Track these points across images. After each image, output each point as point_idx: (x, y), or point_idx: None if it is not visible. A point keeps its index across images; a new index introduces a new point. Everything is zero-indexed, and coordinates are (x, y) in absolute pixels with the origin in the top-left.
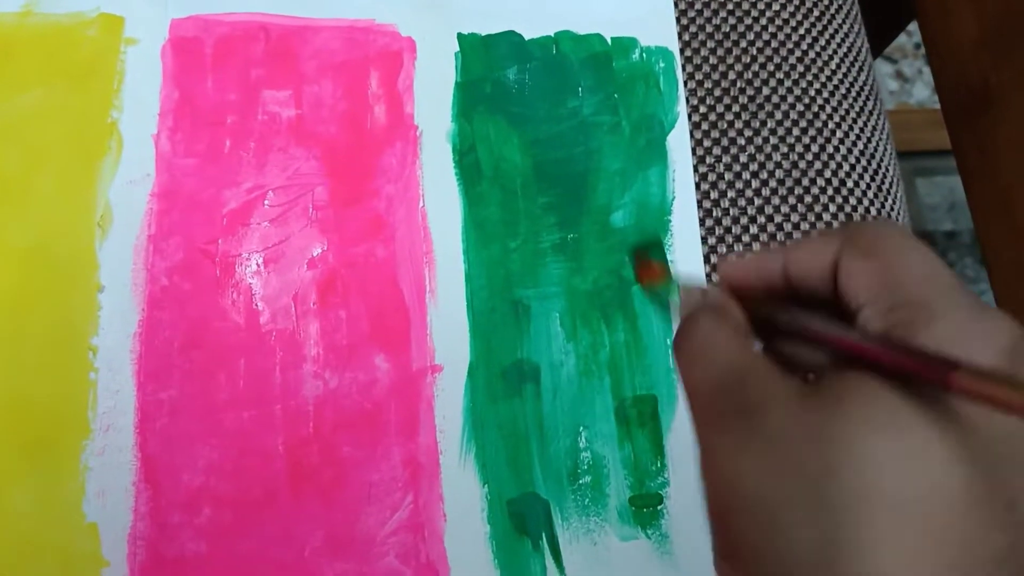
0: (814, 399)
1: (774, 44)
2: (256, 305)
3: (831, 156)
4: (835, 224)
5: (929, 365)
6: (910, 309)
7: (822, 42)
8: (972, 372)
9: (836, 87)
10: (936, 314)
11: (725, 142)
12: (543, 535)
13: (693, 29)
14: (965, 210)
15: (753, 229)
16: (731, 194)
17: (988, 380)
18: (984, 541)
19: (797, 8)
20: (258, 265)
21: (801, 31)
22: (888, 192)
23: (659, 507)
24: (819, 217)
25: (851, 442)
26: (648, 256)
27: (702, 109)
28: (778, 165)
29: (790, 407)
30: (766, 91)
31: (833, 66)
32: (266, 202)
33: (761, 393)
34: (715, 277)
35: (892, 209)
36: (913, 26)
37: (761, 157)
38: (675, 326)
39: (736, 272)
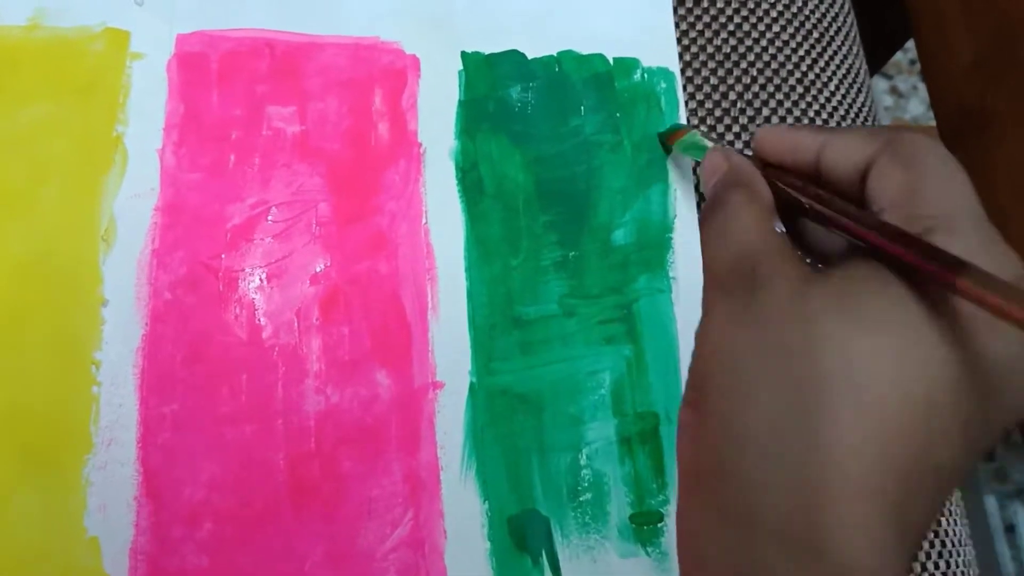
0: (817, 286)
1: (774, 65)
2: (259, 320)
3: None
4: None
5: (939, 262)
6: (931, 220)
7: (821, 64)
8: (978, 276)
9: (835, 108)
10: (954, 231)
11: None
12: (543, 552)
13: (694, 50)
14: None
15: None
16: None
17: (993, 287)
18: (938, 453)
19: (797, 30)
20: (261, 280)
21: (801, 52)
22: None
23: (659, 525)
24: None
25: (834, 333)
26: (675, 128)
27: (703, 128)
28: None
29: (792, 287)
30: (766, 111)
31: (832, 87)
32: (270, 218)
33: (769, 271)
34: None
35: None
36: (909, 43)
37: None
38: (704, 189)
39: (773, 141)
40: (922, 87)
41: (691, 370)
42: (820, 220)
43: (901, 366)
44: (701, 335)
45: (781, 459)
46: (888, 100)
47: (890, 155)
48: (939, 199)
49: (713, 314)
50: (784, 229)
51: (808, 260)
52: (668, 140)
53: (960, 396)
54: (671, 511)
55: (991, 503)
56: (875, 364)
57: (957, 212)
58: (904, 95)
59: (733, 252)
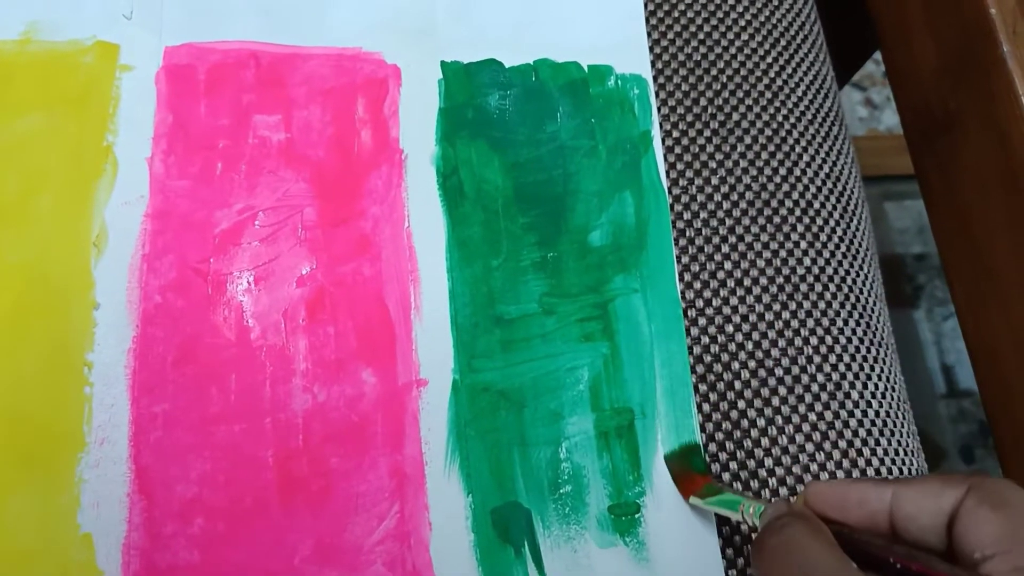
0: None
1: (743, 72)
2: (247, 322)
3: (798, 179)
4: (803, 244)
5: None
6: None
7: (789, 70)
8: None
9: (803, 113)
10: None
11: (697, 165)
12: (525, 543)
13: (666, 58)
14: (934, 241)
15: (724, 249)
16: (703, 215)
17: None
18: None
19: (765, 38)
20: (249, 283)
21: (769, 60)
22: (854, 213)
23: (636, 515)
24: (787, 237)
25: None
26: (688, 467)
27: (675, 134)
28: (748, 187)
29: None
30: (736, 116)
31: (800, 93)
32: (256, 223)
33: None
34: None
35: (858, 229)
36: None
37: (731, 180)
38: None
39: (829, 497)
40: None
41: None
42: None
43: None
44: None
45: None
46: (863, 111)
47: (979, 499)
48: None
49: None
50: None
51: None
52: (686, 486)
53: None
54: (647, 502)
55: None
56: None
57: None
58: (878, 106)
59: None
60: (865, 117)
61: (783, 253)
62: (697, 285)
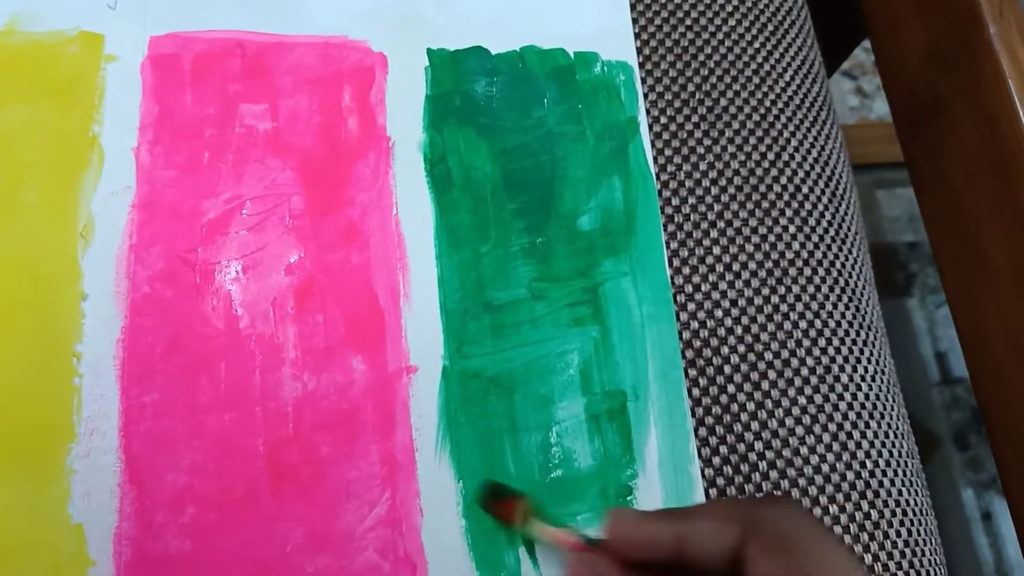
0: None
1: (731, 57)
2: (236, 311)
3: (787, 163)
4: (792, 228)
5: None
6: None
7: (776, 55)
8: None
9: (791, 98)
10: None
11: (685, 151)
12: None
13: (653, 44)
14: (924, 228)
15: (713, 233)
16: (692, 200)
17: None
18: None
19: (752, 23)
20: (237, 272)
21: (756, 45)
22: (843, 197)
23: (628, 498)
24: (776, 221)
25: None
26: (500, 495)
27: (663, 120)
28: (736, 172)
29: None
30: (724, 102)
31: (788, 78)
32: (244, 212)
33: None
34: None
35: (847, 213)
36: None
37: (720, 165)
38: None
39: (626, 534)
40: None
41: None
42: None
43: None
44: None
45: None
46: (854, 100)
47: (758, 540)
48: None
49: None
50: None
51: None
52: (493, 509)
53: None
54: (639, 484)
55: (967, 494)
56: None
57: None
58: (869, 95)
59: None
60: (856, 106)
61: (772, 237)
62: (686, 270)
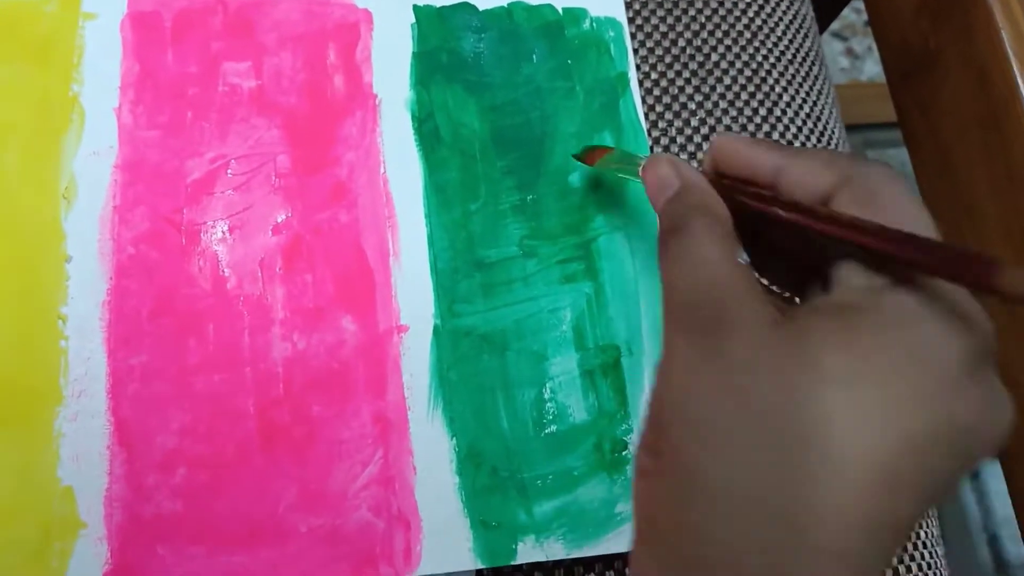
0: (784, 333)
1: (721, 12)
2: (223, 271)
3: (779, 119)
4: None
5: (968, 261)
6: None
7: (768, 9)
8: (1018, 273)
9: (783, 53)
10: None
11: (676, 107)
12: (512, 484)
13: None
14: (915, 182)
15: None
16: (683, 156)
17: None
18: (904, 509)
19: None
20: (223, 233)
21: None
22: None
23: (624, 453)
24: None
25: (807, 388)
26: (591, 146)
27: (653, 75)
28: (728, 128)
29: (759, 336)
30: (715, 57)
31: (779, 32)
32: (229, 171)
33: (735, 315)
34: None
35: None
36: (861, 4)
37: (712, 120)
38: (657, 207)
39: (729, 154)
40: (876, 48)
41: (650, 411)
42: (797, 228)
43: (879, 425)
44: (663, 377)
45: (749, 518)
46: (844, 61)
47: (851, 190)
48: None
49: (675, 356)
50: (748, 259)
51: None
52: (587, 160)
53: (926, 456)
54: (634, 439)
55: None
56: (852, 423)
57: None
58: (860, 56)
59: (696, 288)
60: (847, 67)
61: None
62: None
